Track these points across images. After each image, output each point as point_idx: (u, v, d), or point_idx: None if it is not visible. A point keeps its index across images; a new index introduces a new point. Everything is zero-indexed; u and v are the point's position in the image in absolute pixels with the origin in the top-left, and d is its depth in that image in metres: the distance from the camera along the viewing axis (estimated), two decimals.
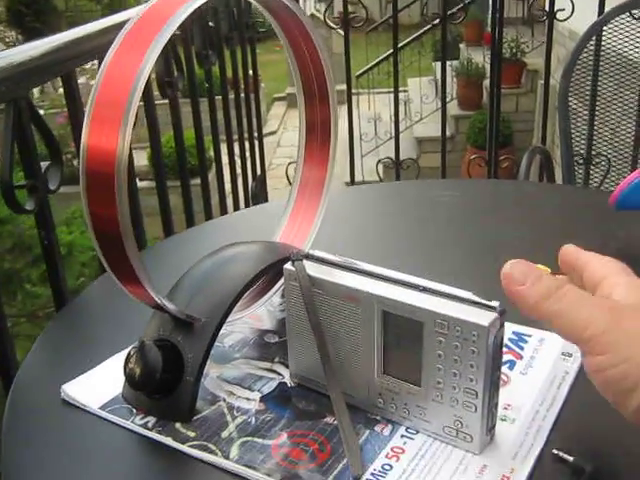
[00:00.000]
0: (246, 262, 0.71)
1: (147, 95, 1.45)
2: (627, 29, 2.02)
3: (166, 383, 0.63)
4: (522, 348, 0.71)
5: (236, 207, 2.16)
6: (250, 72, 2.31)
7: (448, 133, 7.08)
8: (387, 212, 1.12)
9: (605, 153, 2.29)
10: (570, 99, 2.12)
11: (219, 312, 0.65)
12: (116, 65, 0.57)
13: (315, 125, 0.78)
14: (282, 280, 0.78)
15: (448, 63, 6.97)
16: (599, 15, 2.12)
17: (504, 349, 0.67)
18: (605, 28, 1.95)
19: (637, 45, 2.05)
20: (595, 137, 2.19)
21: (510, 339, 0.72)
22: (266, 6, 0.69)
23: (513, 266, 0.50)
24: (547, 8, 2.38)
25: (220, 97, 2.02)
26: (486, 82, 6.53)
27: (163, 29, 0.57)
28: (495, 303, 0.55)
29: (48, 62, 1.00)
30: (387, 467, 0.57)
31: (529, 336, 0.73)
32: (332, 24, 2.68)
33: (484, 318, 0.54)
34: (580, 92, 2.15)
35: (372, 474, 0.56)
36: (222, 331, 0.73)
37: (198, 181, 1.85)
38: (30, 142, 0.98)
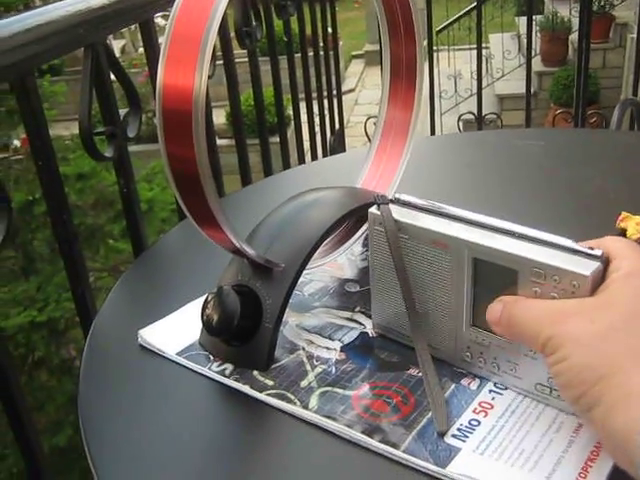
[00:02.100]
0: (326, 207, 0.68)
1: (226, 50, 1.43)
2: None
3: (244, 330, 0.61)
4: None
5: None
6: (329, 29, 2.26)
7: (531, 90, 6.88)
8: (470, 161, 1.07)
9: None
10: None
11: (299, 258, 0.63)
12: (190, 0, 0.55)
13: (401, 63, 0.74)
14: (364, 228, 0.76)
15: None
16: None
17: None
18: None
19: None
20: None
21: None
22: None
23: (488, 311, 0.54)
24: None
25: (299, 55, 1.98)
26: (572, 37, 6.29)
27: None
28: (598, 252, 0.50)
29: (125, 7, 0.98)
30: (474, 423, 0.54)
31: None
32: None
33: (585, 267, 0.50)
34: None
35: (459, 429, 0.53)
36: (301, 279, 0.71)
37: (277, 139, 1.82)
38: (108, 89, 0.97)
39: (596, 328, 0.46)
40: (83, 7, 0.89)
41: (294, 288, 0.62)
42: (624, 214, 0.78)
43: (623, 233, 0.77)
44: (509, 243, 0.53)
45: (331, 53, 2.30)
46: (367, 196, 0.71)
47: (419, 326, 0.59)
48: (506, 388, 0.57)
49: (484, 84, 6.57)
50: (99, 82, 0.95)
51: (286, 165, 1.81)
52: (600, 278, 0.50)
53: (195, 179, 0.54)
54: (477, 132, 1.89)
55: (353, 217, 0.69)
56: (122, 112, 0.99)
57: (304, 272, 0.70)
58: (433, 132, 2.50)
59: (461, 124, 2.98)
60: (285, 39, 1.86)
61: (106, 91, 0.96)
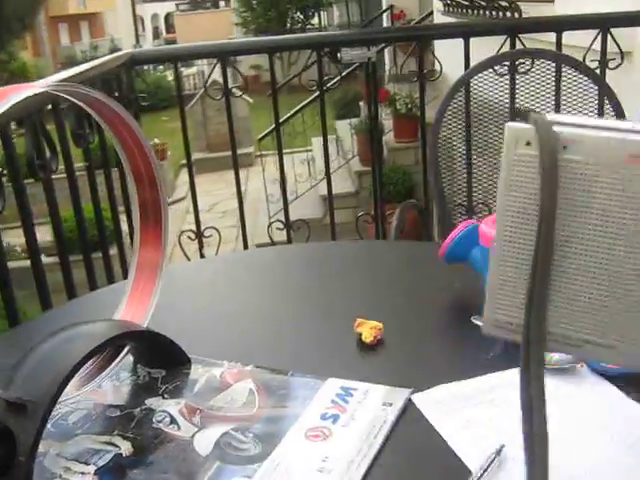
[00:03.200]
0: (79, 341, 0.74)
1: (16, 181, 1.46)
2: (492, 81, 2.18)
3: None
4: (347, 402, 0.76)
5: None
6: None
7: (352, 189, 7.20)
8: (236, 281, 1.15)
9: (485, 201, 2.42)
10: (456, 148, 2.25)
11: (50, 392, 0.68)
12: None
13: (147, 208, 0.83)
14: (123, 353, 0.82)
15: (348, 121, 7.05)
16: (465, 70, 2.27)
17: (330, 404, 0.73)
18: (473, 81, 2.06)
19: (501, 95, 2.21)
20: (477, 186, 2.31)
21: (337, 394, 0.77)
22: (83, 101, 0.74)
23: None
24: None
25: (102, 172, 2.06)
26: (385, 138, 6.73)
27: None
28: None
29: None
30: None
31: (355, 389, 0.78)
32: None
33: None
34: (460, 143, 2.28)
35: None
36: (66, 409, 0.77)
37: (100, 254, 1.94)
38: None
39: None
40: None
41: (47, 421, 0.67)
42: (359, 320, 0.89)
43: (360, 337, 0.88)
44: None
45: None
46: (122, 326, 0.78)
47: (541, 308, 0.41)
48: None
49: (308, 186, 6.84)
50: None
51: (92, 285, 1.84)
52: None
53: None
54: (250, 251, 2.12)
55: (109, 347, 0.76)
56: None
57: (69, 402, 0.76)
58: (245, 239, 2.60)
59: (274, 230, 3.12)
60: (86, 164, 1.92)
61: None
